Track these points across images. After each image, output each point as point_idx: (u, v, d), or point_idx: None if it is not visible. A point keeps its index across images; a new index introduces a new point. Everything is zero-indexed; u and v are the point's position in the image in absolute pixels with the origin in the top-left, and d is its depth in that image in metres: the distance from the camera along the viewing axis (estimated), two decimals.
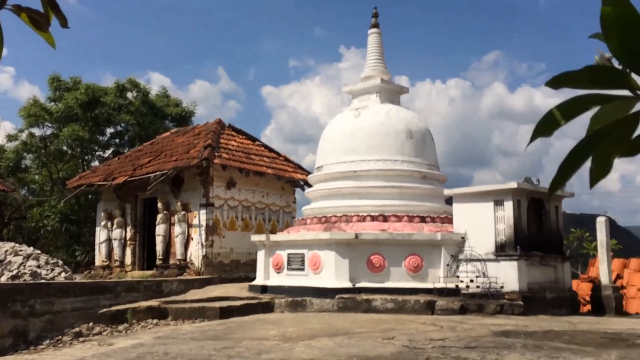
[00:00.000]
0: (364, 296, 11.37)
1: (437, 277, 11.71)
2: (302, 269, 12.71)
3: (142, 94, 27.99)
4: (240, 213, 17.03)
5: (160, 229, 16.56)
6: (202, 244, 15.86)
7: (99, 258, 18.65)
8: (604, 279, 12.70)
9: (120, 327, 10.63)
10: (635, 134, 1.13)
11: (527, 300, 10.78)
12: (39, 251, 14.51)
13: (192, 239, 16.13)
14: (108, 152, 27.89)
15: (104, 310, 11.21)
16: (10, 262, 12.93)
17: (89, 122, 26.23)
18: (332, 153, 14.31)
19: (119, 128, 28.11)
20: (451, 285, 11.44)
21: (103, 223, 18.50)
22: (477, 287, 11.17)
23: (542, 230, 12.15)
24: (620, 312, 12.40)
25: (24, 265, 12.98)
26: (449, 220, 12.79)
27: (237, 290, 13.48)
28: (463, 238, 11.77)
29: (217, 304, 11.60)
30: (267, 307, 11.82)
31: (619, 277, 14.43)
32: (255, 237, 14.05)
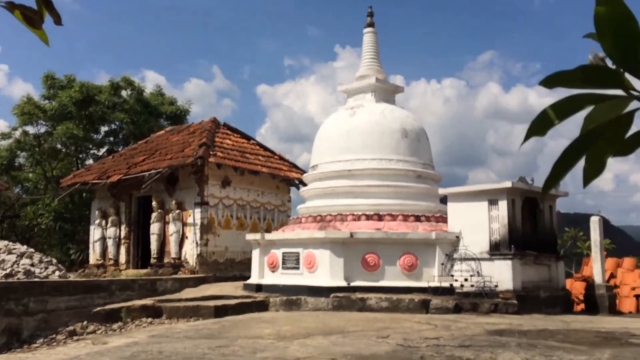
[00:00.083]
0: (359, 295, 11.38)
1: (432, 276, 11.73)
2: (297, 268, 12.71)
3: (137, 92, 27.88)
4: (235, 212, 17.01)
5: (154, 228, 16.52)
6: (196, 243, 15.83)
7: (93, 256, 18.59)
8: (598, 278, 12.76)
9: (115, 326, 10.60)
10: (629, 133, 1.14)
11: (521, 299, 10.81)
12: (32, 249, 14.44)
13: (186, 237, 16.10)
14: (102, 151, 27.79)
15: (98, 309, 11.18)
16: (3, 260, 12.86)
17: (83, 120, 26.12)
18: (327, 152, 14.31)
19: (113, 126, 28.01)
20: (446, 284, 11.46)
21: (97, 221, 18.43)
22: (472, 286, 11.20)
23: (536, 229, 12.19)
24: (614, 311, 12.46)
25: (18, 264, 12.92)
26: (443, 219, 12.82)
27: (231, 289, 13.46)
28: (457, 237, 11.79)
29: (211, 303, 11.58)
30: (262, 306, 11.81)
31: (612, 276, 14.49)
32: (250, 236, 14.04)
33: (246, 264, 15.09)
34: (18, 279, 12.19)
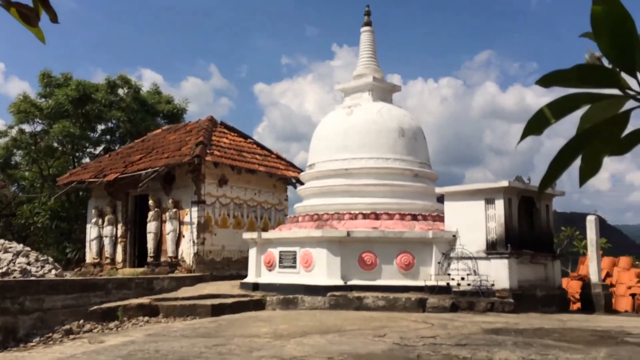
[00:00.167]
0: (356, 294, 11.39)
1: (429, 275, 11.74)
2: (294, 267, 12.71)
3: (134, 91, 27.81)
4: (232, 210, 17.00)
5: (151, 227, 16.50)
6: (193, 242, 15.82)
7: (90, 255, 18.56)
8: (594, 277, 12.79)
9: (111, 325, 10.59)
10: (625, 132, 1.14)
11: (518, 298, 10.84)
12: (28, 248, 14.41)
13: (183, 236, 16.08)
14: (99, 149, 27.71)
15: (95, 307, 11.16)
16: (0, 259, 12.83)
17: (80, 118, 26.04)
18: (324, 151, 14.31)
19: (110, 125, 27.93)
20: (442, 283, 11.48)
21: (94, 220, 18.40)
22: (468, 284, 11.22)
23: (533, 228, 12.22)
24: (610, 310, 12.49)
25: (14, 262, 12.89)
26: (440, 218, 12.84)
27: (228, 287, 13.46)
28: (454, 236, 11.81)
29: (208, 302, 11.58)
30: (259, 305, 11.81)
31: (608, 275, 14.54)
32: (247, 235, 14.03)
33: (243, 263, 15.08)
34: (14, 277, 12.16)
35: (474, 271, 11.34)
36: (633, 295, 13.70)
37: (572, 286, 14.07)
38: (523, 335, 7.68)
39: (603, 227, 15.09)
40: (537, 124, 1.18)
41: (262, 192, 18.14)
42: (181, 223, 16.15)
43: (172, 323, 10.50)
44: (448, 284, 11.45)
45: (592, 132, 1.13)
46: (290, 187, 19.21)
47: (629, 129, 1.13)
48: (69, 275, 15.21)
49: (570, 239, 18.99)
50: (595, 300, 12.38)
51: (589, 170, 1.16)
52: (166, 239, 16.25)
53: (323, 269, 12.08)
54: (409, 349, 6.68)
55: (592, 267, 12.93)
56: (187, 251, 15.91)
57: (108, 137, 28.38)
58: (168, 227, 16.16)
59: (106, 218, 17.97)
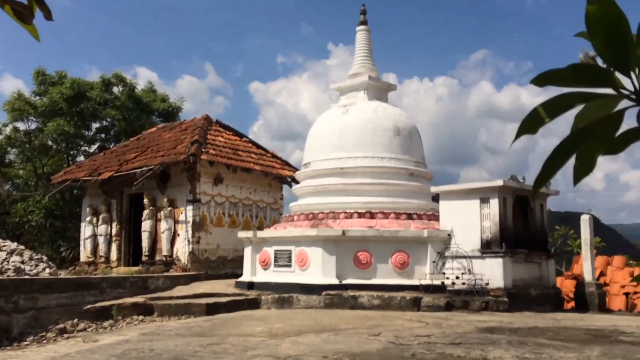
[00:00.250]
0: (351, 293, 11.40)
1: (423, 274, 11.77)
2: (289, 266, 12.70)
3: (129, 89, 27.72)
4: (227, 209, 16.98)
5: (146, 225, 16.46)
6: (188, 240, 15.79)
7: (84, 254, 18.50)
8: (588, 276, 12.85)
9: (105, 324, 10.56)
10: (619, 132, 1.14)
11: (512, 296, 10.87)
12: (22, 247, 14.35)
13: (178, 235, 16.05)
14: (94, 147, 27.62)
15: (89, 306, 11.13)
16: None
17: (74, 116, 25.94)
18: (319, 150, 14.31)
19: (104, 123, 27.84)
20: (437, 282, 11.51)
21: (88, 219, 18.34)
22: (463, 283, 11.25)
23: (527, 227, 12.26)
24: (603, 309, 12.55)
25: (8, 261, 12.83)
26: (435, 217, 12.86)
27: (223, 286, 13.44)
28: (449, 235, 11.84)
29: (203, 301, 11.56)
30: (254, 304, 11.81)
31: (602, 274, 14.59)
32: (242, 234, 14.02)
33: (238, 262, 15.07)
34: (8, 276, 12.11)
35: (469, 270, 11.37)
36: (627, 294, 13.77)
37: (566, 285, 14.13)
38: (517, 334, 7.70)
39: (597, 226, 15.15)
40: (531, 123, 1.18)
41: (258, 191, 18.13)
42: (176, 222, 16.12)
43: (167, 322, 10.48)
44: (443, 283, 11.48)
45: (586, 132, 1.14)
46: (285, 186, 19.22)
47: (623, 128, 1.14)
48: (63, 274, 15.15)
49: (565, 238, 19.07)
50: (589, 299, 12.43)
51: (583, 170, 1.16)
52: (161, 238, 16.21)
53: (318, 268, 12.08)
54: (403, 347, 6.69)
55: (586, 266, 12.99)
56: (182, 250, 15.88)
57: (103, 135, 28.30)
58: (163, 225, 16.13)
59: (101, 217, 17.91)
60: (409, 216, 12.95)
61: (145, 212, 16.51)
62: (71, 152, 27.69)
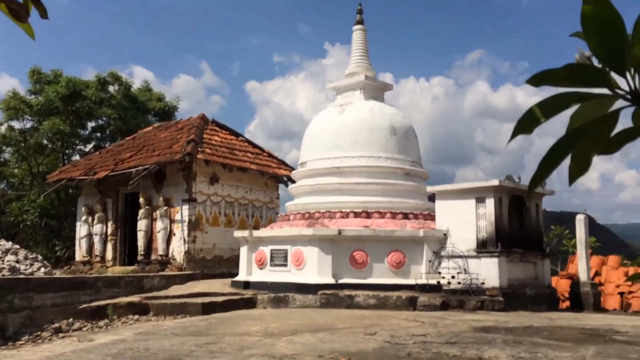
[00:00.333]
0: (347, 292, 11.41)
1: (419, 274, 11.78)
2: (285, 265, 12.70)
3: (124, 88, 27.66)
4: (223, 209, 16.96)
5: (141, 224, 16.42)
6: (184, 240, 15.77)
7: (80, 253, 18.45)
8: (583, 276, 12.89)
9: (101, 323, 10.54)
10: (614, 132, 1.15)
11: (508, 296, 10.90)
12: (17, 246, 14.31)
13: (174, 234, 16.03)
14: (89, 147, 27.54)
15: (84, 305, 11.10)
16: None
17: (70, 115, 25.86)
18: (316, 149, 14.31)
19: (100, 122, 27.77)
20: (433, 282, 11.52)
21: (84, 218, 18.29)
22: (459, 283, 11.27)
23: (523, 227, 12.29)
24: (598, 308, 12.60)
25: (3, 260, 12.78)
26: (431, 217, 12.88)
27: (219, 286, 13.43)
28: (445, 235, 11.86)
29: (199, 300, 11.55)
30: (250, 303, 11.80)
31: (597, 274, 14.64)
32: (238, 233, 14.01)
33: (234, 261, 15.06)
34: (3, 275, 12.06)
35: (465, 270, 11.39)
36: (621, 293, 13.82)
37: (562, 285, 14.17)
38: (513, 334, 7.72)
39: (592, 226, 15.20)
40: (527, 123, 1.19)
41: (254, 190, 18.11)
42: (172, 221, 16.09)
43: (163, 321, 10.46)
44: (439, 282, 11.50)
45: (581, 132, 1.14)
46: (281, 186, 19.21)
47: (618, 128, 1.14)
48: (58, 274, 15.10)
49: (560, 237, 19.11)
50: (584, 298, 12.47)
51: (578, 170, 1.17)
52: (157, 237, 16.18)
53: (314, 268, 12.08)
54: (399, 347, 6.70)
55: (581, 265, 13.03)
56: (177, 249, 15.86)
57: (98, 134, 28.22)
58: (159, 225, 16.10)
59: (96, 216, 17.87)
60: (405, 216, 12.97)
61: (141, 212, 16.47)
62: (67, 151, 27.60)
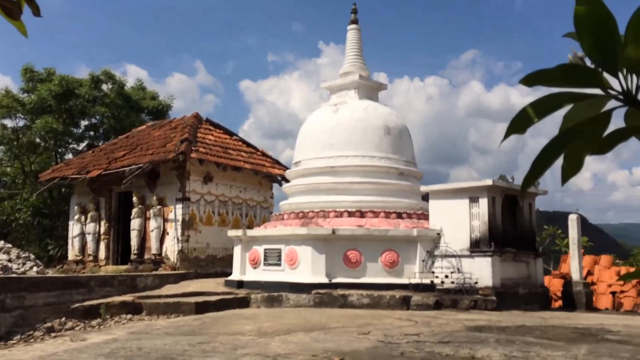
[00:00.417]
0: (340, 291, 11.41)
1: (413, 273, 11.81)
2: (279, 264, 12.69)
3: (118, 86, 27.54)
4: (217, 208, 16.93)
5: (135, 224, 16.37)
6: (177, 239, 15.73)
7: (72, 252, 18.37)
8: (575, 275, 12.96)
9: (94, 322, 10.49)
10: (606, 132, 1.15)
11: (501, 295, 10.94)
12: (10, 245, 14.22)
13: (167, 233, 15.98)
14: (82, 145, 27.40)
15: (77, 305, 11.05)
16: None
17: (63, 114, 25.73)
18: (310, 148, 14.31)
19: (93, 120, 27.64)
20: (426, 281, 11.55)
21: (76, 217, 18.21)
22: (452, 282, 11.30)
23: (516, 227, 12.33)
24: (591, 307, 12.67)
25: None
26: (425, 216, 12.90)
27: (213, 285, 13.40)
28: (439, 234, 11.88)
29: (192, 299, 11.52)
30: (243, 303, 11.79)
31: (589, 273, 14.72)
32: (232, 232, 13.98)
33: (228, 261, 15.03)
34: None
35: (458, 269, 11.42)
36: (613, 293, 13.90)
37: (554, 284, 14.24)
38: (505, 333, 7.75)
39: (585, 225, 15.28)
40: (520, 122, 1.19)
41: (248, 190, 18.09)
42: (165, 220, 16.04)
43: (156, 321, 10.43)
44: (432, 281, 11.53)
45: (574, 132, 1.14)
46: (275, 185, 19.20)
47: (611, 128, 1.15)
48: (50, 273, 15.03)
49: (553, 237, 19.19)
50: (576, 298, 12.54)
51: (571, 169, 1.17)
52: (150, 236, 16.13)
53: (308, 267, 12.08)
54: (392, 346, 6.71)
55: (573, 265, 13.10)
56: (171, 248, 15.81)
57: (91, 133, 28.09)
58: (152, 224, 16.05)
59: (89, 215, 17.80)
60: (399, 215, 12.99)
61: (134, 211, 16.42)
62: (59, 150, 27.46)
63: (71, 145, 27.76)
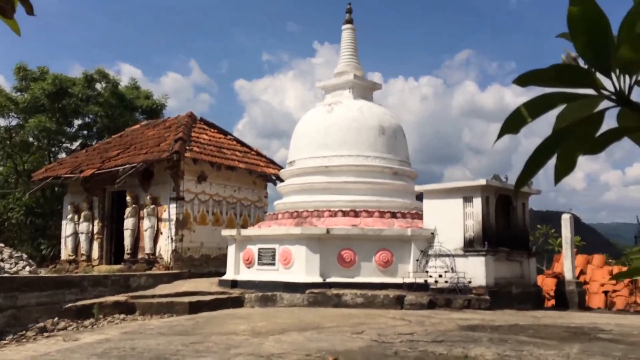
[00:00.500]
0: (334, 291, 11.42)
1: (407, 272, 11.83)
2: (273, 264, 12.69)
3: (112, 85, 27.42)
4: (211, 207, 16.90)
5: (128, 223, 16.31)
6: (171, 239, 15.69)
7: (65, 252, 18.28)
8: (568, 275, 13.02)
9: (86, 322, 10.45)
10: (599, 132, 1.16)
11: (494, 295, 10.98)
12: (2, 244, 14.16)
13: (161, 233, 15.94)
14: (75, 144, 27.27)
15: (70, 305, 11.00)
16: None
17: (56, 113, 25.60)
18: (304, 148, 14.31)
19: (87, 120, 27.50)
20: (420, 280, 11.57)
21: (70, 216, 18.13)
22: (446, 282, 11.33)
23: (509, 226, 12.38)
24: (583, 306, 12.73)
25: None
26: (419, 216, 12.93)
27: (206, 285, 13.38)
28: (432, 234, 11.91)
29: (186, 299, 11.49)
30: (237, 302, 11.77)
31: (582, 272, 14.80)
32: (226, 232, 13.96)
33: (222, 260, 15.01)
34: None
35: (452, 268, 11.45)
36: (606, 292, 13.98)
37: (547, 283, 14.30)
38: (498, 332, 7.78)
39: (577, 225, 15.35)
40: (514, 122, 1.19)
41: (242, 189, 18.06)
42: (159, 220, 16.00)
43: (149, 321, 10.40)
44: (426, 281, 11.55)
45: (567, 132, 1.15)
46: (270, 184, 19.18)
47: (603, 128, 1.15)
48: (43, 272, 14.96)
49: (546, 237, 19.26)
50: (569, 297, 12.59)
51: (564, 169, 1.17)
52: (144, 236, 16.08)
53: (302, 266, 12.08)
54: (386, 345, 6.72)
55: (566, 264, 13.16)
56: (164, 248, 15.77)
57: (85, 132, 27.95)
58: (146, 223, 16.00)
59: (82, 214, 17.72)
60: (393, 215, 13.01)
61: (128, 210, 16.36)
62: (52, 149, 27.33)
63: (64, 145, 27.63)
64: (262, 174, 18.52)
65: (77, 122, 27.54)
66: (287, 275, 12.24)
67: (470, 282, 11.15)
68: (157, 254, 15.86)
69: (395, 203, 13.38)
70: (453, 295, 11.01)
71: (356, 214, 12.91)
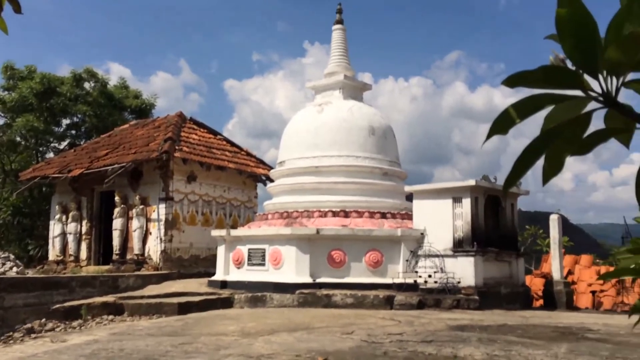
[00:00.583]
0: (324, 291, 11.42)
1: (397, 273, 11.86)
2: (263, 264, 12.66)
3: (100, 85, 27.23)
4: (200, 207, 16.83)
5: (117, 223, 16.21)
6: (160, 239, 15.61)
7: (53, 252, 18.13)
8: (556, 275, 13.11)
9: (74, 323, 10.37)
10: (586, 133, 1.17)
11: (483, 295, 11.03)
12: None
13: (150, 233, 15.85)
14: (64, 144, 27.04)
15: (57, 305, 10.91)
16: None
17: (44, 112, 25.38)
18: (294, 148, 14.30)
19: (75, 119, 27.28)
20: (410, 281, 11.61)
21: (57, 216, 17.98)
22: (435, 282, 11.37)
23: (498, 226, 12.45)
24: (571, 306, 12.82)
25: None
26: (409, 216, 12.97)
27: (196, 285, 13.33)
28: (422, 234, 11.95)
29: (175, 300, 11.45)
30: (227, 303, 11.73)
31: (570, 273, 14.90)
32: (215, 232, 13.92)
33: (211, 261, 14.96)
34: None
35: (441, 269, 11.49)
36: (593, 292, 14.09)
37: (535, 283, 14.39)
38: (487, 332, 7.82)
39: (565, 225, 15.47)
40: (502, 123, 1.20)
41: (232, 189, 18.02)
42: (148, 220, 15.91)
43: (138, 322, 10.34)
44: (415, 281, 11.58)
45: (555, 132, 1.16)
46: (260, 185, 19.15)
47: (591, 129, 1.16)
48: (30, 273, 14.82)
49: (534, 237, 19.39)
50: (557, 297, 12.68)
51: (551, 170, 1.18)
52: (132, 236, 15.99)
53: (292, 267, 12.07)
54: (376, 345, 6.73)
55: (554, 265, 13.25)
56: (154, 248, 15.69)
57: (73, 131, 27.72)
58: (135, 224, 15.90)
59: (70, 214, 17.58)
60: (383, 215, 13.03)
61: (117, 210, 16.25)
62: (40, 149, 27.08)
63: (52, 144, 27.39)
64: (252, 174, 18.49)
65: (66, 121, 27.32)
66: (277, 276, 12.22)
67: (459, 282, 11.20)
68: (146, 254, 15.77)
69: (385, 203, 13.41)
70: (442, 296, 11.05)
71: (346, 214, 12.93)
